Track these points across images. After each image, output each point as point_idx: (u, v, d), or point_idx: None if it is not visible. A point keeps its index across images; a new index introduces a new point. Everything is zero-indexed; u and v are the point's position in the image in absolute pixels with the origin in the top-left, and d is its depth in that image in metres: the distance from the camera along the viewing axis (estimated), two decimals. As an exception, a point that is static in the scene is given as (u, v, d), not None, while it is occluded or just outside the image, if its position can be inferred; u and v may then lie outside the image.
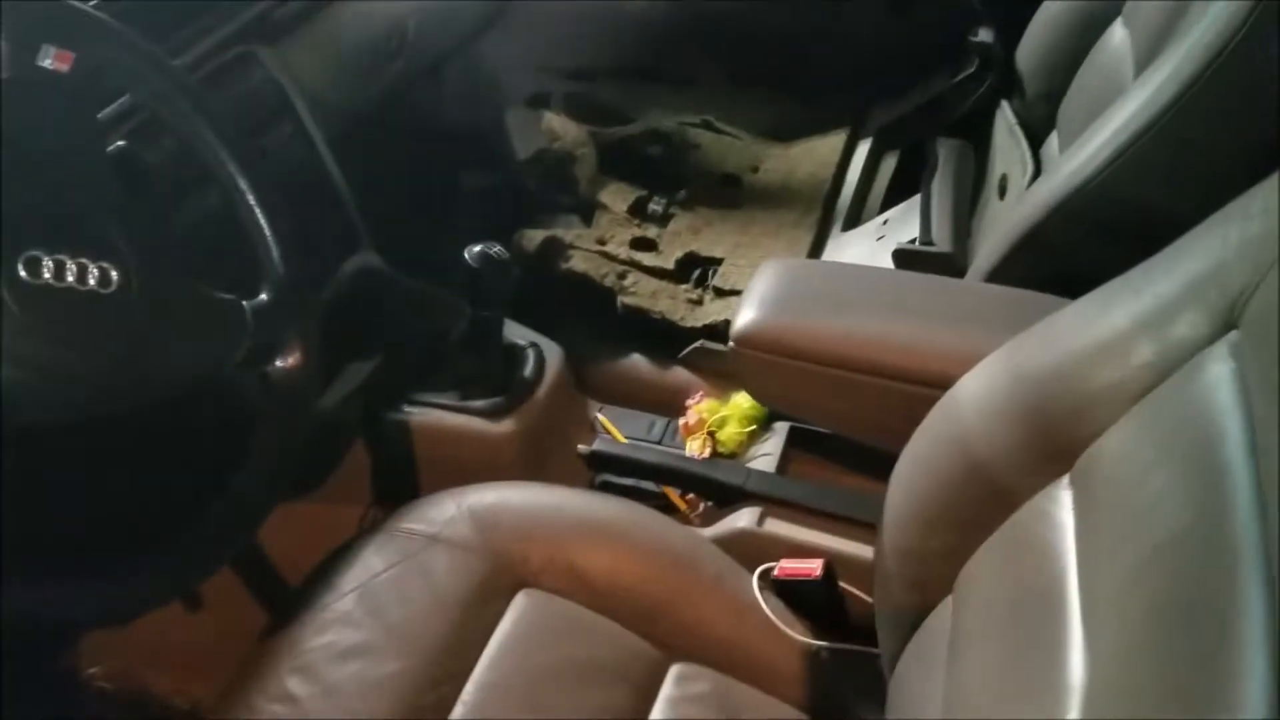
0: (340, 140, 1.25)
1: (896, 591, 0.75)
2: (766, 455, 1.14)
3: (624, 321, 1.39)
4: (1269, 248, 0.53)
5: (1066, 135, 1.20)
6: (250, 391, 0.90)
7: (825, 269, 1.26)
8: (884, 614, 0.79)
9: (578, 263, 1.43)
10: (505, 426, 1.21)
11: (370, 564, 0.91)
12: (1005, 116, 1.38)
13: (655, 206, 1.59)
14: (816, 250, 1.50)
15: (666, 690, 0.86)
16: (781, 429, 1.16)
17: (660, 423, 1.33)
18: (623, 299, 1.39)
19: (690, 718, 0.84)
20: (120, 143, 0.92)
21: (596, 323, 1.40)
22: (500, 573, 0.91)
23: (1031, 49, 1.35)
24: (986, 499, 0.66)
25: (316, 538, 0.99)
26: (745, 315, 0.97)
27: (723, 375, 1.29)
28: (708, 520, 1.08)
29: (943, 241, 1.28)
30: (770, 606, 0.91)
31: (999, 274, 1.01)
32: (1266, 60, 0.80)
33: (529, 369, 1.27)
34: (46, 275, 0.73)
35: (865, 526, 0.96)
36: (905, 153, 1.61)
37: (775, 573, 0.93)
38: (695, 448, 1.23)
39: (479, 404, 1.22)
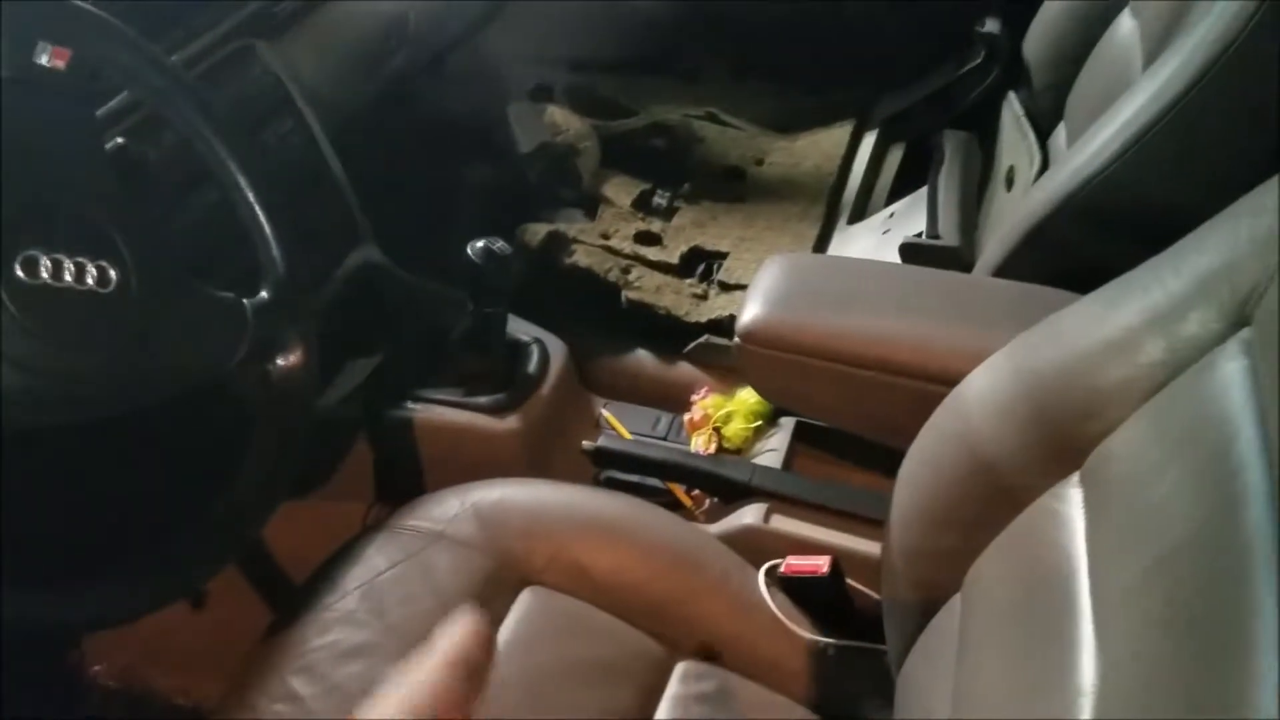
0: (341, 135, 1.25)
1: (903, 589, 0.74)
2: (772, 451, 1.13)
3: (628, 316, 1.38)
4: (1282, 244, 0.53)
5: (1074, 127, 1.19)
6: (251, 390, 0.89)
7: (831, 263, 1.26)
8: (891, 611, 0.78)
9: (581, 257, 1.43)
10: (509, 423, 1.21)
11: (373, 562, 0.91)
12: (1012, 108, 1.38)
13: (659, 200, 1.59)
14: (822, 244, 1.49)
15: (672, 688, 0.85)
16: (787, 425, 1.16)
17: (665, 418, 1.33)
18: (627, 294, 1.39)
19: (696, 716, 0.84)
20: (118, 140, 0.91)
21: (600, 318, 1.40)
22: (504, 570, 0.91)
23: (1039, 40, 1.34)
24: (994, 498, 0.66)
25: (320, 536, 0.98)
26: (750, 310, 0.96)
27: (728, 371, 1.28)
28: (713, 517, 1.07)
29: (950, 235, 1.28)
30: (776, 603, 0.90)
31: (1007, 269, 1.00)
32: (1275, 54, 0.79)
33: (532, 365, 1.26)
34: (44, 275, 0.73)
35: (872, 523, 0.95)
36: (911, 145, 1.60)
37: (781, 569, 0.93)
38: (700, 444, 1.23)
39: (482, 400, 1.22)
